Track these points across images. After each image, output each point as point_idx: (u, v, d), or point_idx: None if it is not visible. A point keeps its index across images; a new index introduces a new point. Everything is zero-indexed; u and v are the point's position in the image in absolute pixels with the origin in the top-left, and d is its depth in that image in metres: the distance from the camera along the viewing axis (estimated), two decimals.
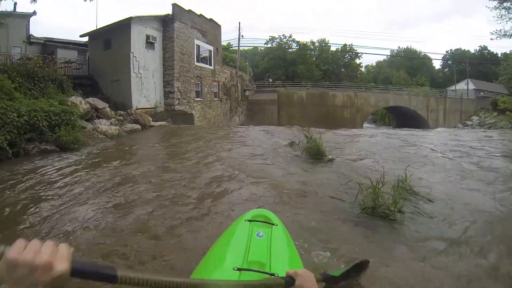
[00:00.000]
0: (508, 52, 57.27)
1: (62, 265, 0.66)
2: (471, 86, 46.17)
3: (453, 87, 47.22)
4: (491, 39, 25.73)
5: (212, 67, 22.96)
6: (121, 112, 15.04)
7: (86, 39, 19.66)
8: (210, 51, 22.64)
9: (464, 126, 34.08)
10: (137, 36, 16.65)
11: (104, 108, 14.59)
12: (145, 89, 17.14)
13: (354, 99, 32.98)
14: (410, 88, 43.21)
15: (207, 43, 22.11)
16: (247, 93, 32.51)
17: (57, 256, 0.66)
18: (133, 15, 16.47)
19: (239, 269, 1.33)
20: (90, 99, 14.67)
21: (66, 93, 14.07)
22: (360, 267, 2.02)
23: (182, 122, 17.37)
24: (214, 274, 1.36)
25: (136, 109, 16.24)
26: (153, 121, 15.63)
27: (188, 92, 19.52)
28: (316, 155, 6.96)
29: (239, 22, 36.79)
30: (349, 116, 32.86)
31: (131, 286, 0.75)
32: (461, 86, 47.59)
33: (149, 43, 17.42)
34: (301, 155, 7.43)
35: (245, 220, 1.84)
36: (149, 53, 17.51)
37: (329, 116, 32.26)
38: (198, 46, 20.92)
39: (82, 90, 16.32)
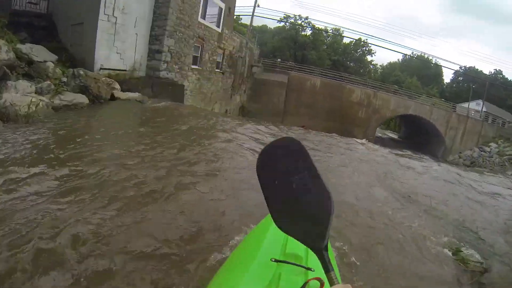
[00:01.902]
0: None
1: None
2: (484, 108, 41.47)
3: (462, 104, 42.53)
4: None
5: (220, 30, 16.71)
6: (74, 71, 9.01)
7: None
8: (221, 9, 16.41)
9: (481, 151, 29.41)
10: None
11: (44, 62, 8.59)
12: (121, 42, 10.96)
13: (372, 98, 27.28)
14: (431, 98, 37.89)
15: None
16: (254, 69, 26.44)
17: None
18: None
19: (276, 260, 1.23)
20: (27, 46, 8.70)
21: None
22: None
23: (167, 96, 11.44)
24: (251, 265, 1.28)
25: (101, 69, 10.25)
26: (122, 90, 9.72)
27: (183, 56, 13.34)
28: None
29: None
30: (364, 116, 27.31)
31: None
32: (473, 105, 42.82)
33: None
34: None
35: None
36: None
37: (341, 112, 26.80)
38: None
39: (29, 33, 10.50)
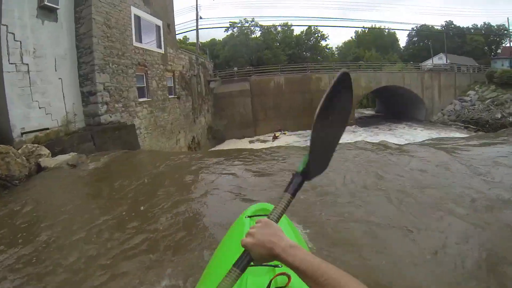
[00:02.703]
0: (471, 26, 53.51)
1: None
2: (445, 61, 41.61)
3: (425, 62, 42.50)
4: None
5: (162, 50, 14.65)
6: None
7: None
8: (158, 27, 14.38)
9: (462, 102, 28.52)
10: None
11: None
12: (40, 94, 8.68)
13: None
14: (396, 64, 37.25)
15: (153, 15, 13.85)
16: (212, 84, 24.45)
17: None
18: None
19: None
20: None
21: None
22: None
23: (116, 143, 9.29)
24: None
25: (23, 134, 7.97)
26: (54, 153, 7.50)
27: (125, 91, 11.19)
28: None
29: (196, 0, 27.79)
30: None
31: None
32: (436, 60, 43.05)
33: (45, 9, 8.94)
34: None
35: (246, 217, 1.70)
36: (45, 26, 9.00)
37: (314, 104, 25.15)
38: (138, 18, 12.61)
39: None
